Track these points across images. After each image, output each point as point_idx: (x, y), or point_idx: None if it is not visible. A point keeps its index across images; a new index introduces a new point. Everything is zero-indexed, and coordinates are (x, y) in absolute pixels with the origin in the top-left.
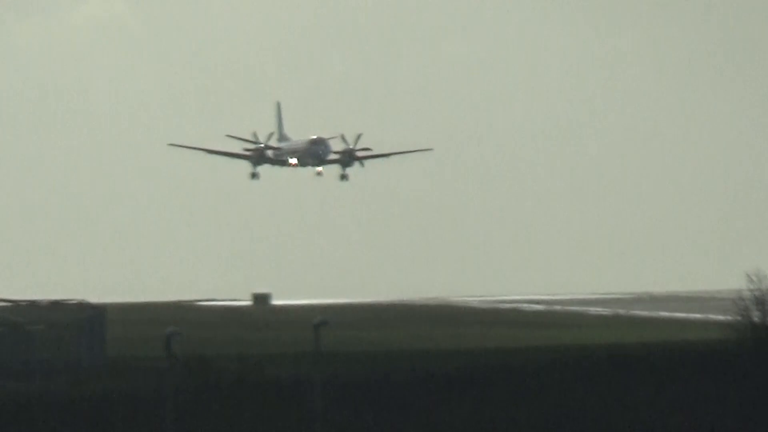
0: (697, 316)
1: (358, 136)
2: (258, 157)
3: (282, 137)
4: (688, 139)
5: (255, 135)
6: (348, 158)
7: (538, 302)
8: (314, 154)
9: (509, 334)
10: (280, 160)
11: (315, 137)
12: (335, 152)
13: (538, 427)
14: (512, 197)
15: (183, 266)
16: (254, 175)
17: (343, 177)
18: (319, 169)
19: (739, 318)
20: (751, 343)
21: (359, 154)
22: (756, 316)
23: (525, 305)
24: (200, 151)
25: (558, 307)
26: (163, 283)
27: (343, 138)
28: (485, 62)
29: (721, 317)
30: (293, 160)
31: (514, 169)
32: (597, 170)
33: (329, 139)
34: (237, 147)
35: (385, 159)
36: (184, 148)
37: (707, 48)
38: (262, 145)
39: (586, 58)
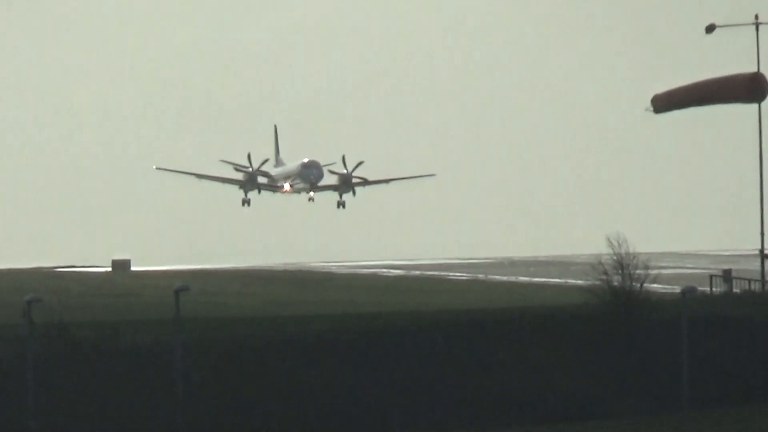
0: (557, 280)
1: (358, 164)
2: (248, 182)
3: (279, 162)
4: (549, 102)
5: (249, 158)
6: (344, 184)
7: (397, 267)
8: (306, 177)
9: (369, 299)
10: (272, 186)
11: (307, 160)
12: (334, 173)
13: (397, 391)
14: (378, 160)
15: (42, 233)
16: (245, 202)
17: (340, 204)
18: (311, 194)
19: (598, 282)
20: (611, 307)
21: (356, 180)
22: (616, 281)
23: (384, 270)
24: (189, 175)
25: (417, 272)
26: (23, 249)
27: (343, 161)
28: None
29: (581, 282)
30: (286, 186)
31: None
32: (456, 133)
33: (326, 165)
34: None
35: (385, 185)
36: (173, 172)
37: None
38: (251, 170)
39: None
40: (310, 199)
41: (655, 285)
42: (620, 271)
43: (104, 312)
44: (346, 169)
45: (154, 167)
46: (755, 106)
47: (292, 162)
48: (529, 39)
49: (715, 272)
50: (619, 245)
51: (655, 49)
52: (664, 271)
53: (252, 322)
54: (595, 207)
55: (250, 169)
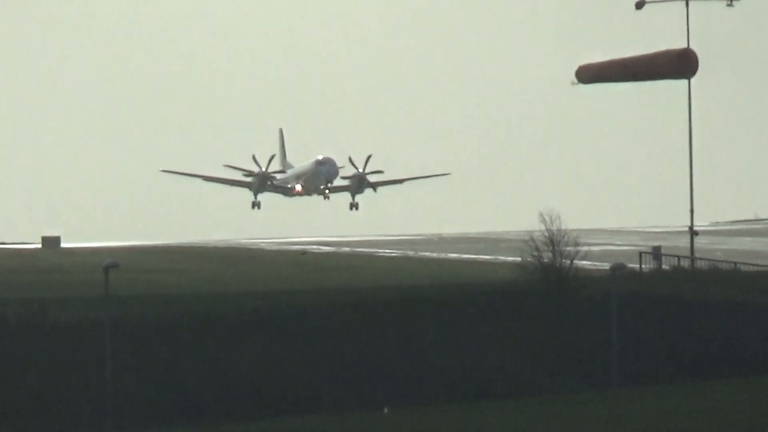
0: (488, 257)
1: (368, 158)
2: (259, 183)
3: (285, 165)
4: (478, 76)
5: (255, 159)
6: (358, 183)
7: (327, 244)
8: (320, 175)
9: (298, 277)
10: (283, 187)
11: (321, 158)
12: (344, 177)
13: (327, 369)
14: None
15: None
16: (255, 204)
17: (353, 206)
18: (327, 193)
19: (530, 259)
20: (541, 283)
21: (371, 178)
22: (546, 257)
23: (314, 247)
24: (196, 178)
25: (347, 249)
26: None
27: (351, 161)
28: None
29: (511, 258)
30: (298, 187)
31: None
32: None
33: (343, 166)
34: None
35: (399, 185)
36: (179, 175)
37: None
38: (262, 171)
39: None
40: (326, 197)
41: (585, 262)
42: (551, 248)
43: (32, 289)
44: (356, 168)
45: (160, 169)
46: (685, 82)
47: (303, 162)
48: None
49: (644, 249)
50: (551, 222)
51: (586, 24)
52: (594, 248)
53: (182, 299)
54: (525, 184)
55: (261, 170)
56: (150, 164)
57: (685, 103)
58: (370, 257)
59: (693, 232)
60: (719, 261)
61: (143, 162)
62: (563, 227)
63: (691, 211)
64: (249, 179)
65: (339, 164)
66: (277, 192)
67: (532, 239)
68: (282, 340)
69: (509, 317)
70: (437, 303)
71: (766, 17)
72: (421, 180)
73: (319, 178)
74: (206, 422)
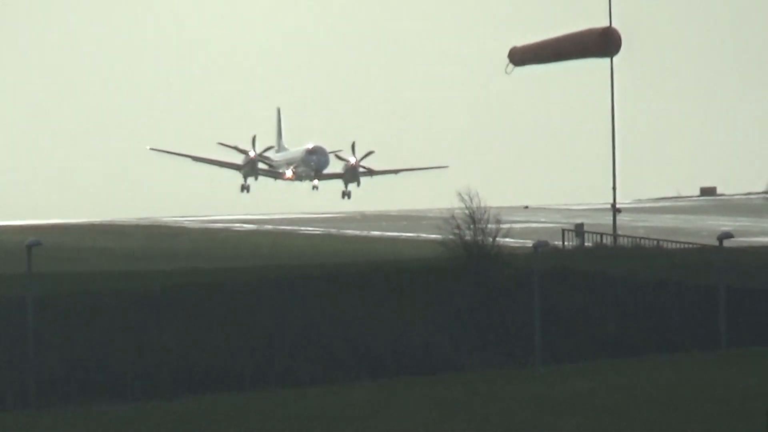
0: (410, 234)
1: (368, 153)
2: (249, 168)
3: (281, 148)
4: (405, 54)
5: (253, 141)
6: (351, 173)
7: (249, 222)
8: (310, 164)
9: (221, 254)
10: (274, 172)
11: (311, 146)
12: (341, 159)
13: (249, 347)
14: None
15: None
16: (245, 188)
17: (345, 194)
18: (315, 182)
19: (451, 236)
20: (463, 261)
21: (362, 169)
22: (468, 235)
23: (237, 225)
24: (185, 158)
25: (269, 227)
26: None
27: (352, 149)
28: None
29: (433, 236)
30: (289, 173)
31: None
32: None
33: (333, 152)
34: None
35: (394, 175)
36: (168, 154)
37: None
38: (253, 155)
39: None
40: (314, 187)
41: (507, 239)
42: (472, 226)
43: None
44: (355, 157)
45: (149, 147)
46: (607, 60)
47: (296, 148)
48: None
49: (567, 226)
50: (471, 200)
51: (512, 3)
52: (516, 226)
53: (104, 277)
54: (446, 161)
55: (252, 153)
56: (141, 142)
57: (607, 80)
58: (292, 234)
59: (615, 210)
60: (642, 238)
61: (134, 140)
62: (483, 205)
63: (614, 189)
64: (239, 162)
65: (334, 149)
66: (267, 176)
67: (453, 217)
68: (204, 318)
69: (431, 295)
70: (359, 281)
71: None
72: (417, 171)
73: (309, 167)
74: (129, 399)
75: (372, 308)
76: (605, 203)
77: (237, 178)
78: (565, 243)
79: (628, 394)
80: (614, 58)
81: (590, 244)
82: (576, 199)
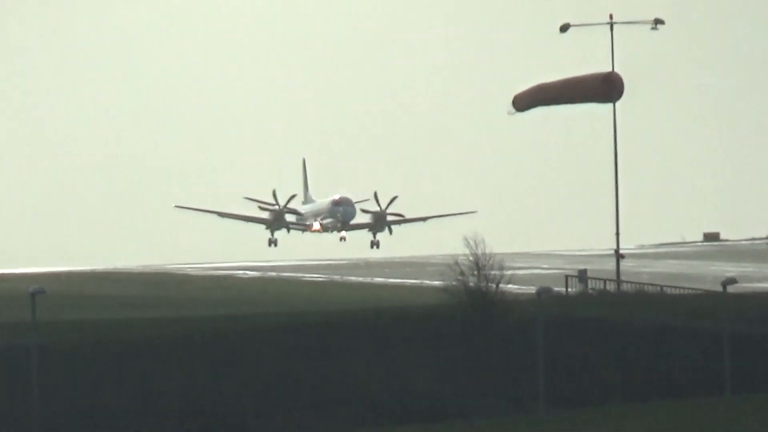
0: (413, 281)
1: (393, 199)
2: (274, 221)
3: (308, 199)
4: (406, 101)
5: (275, 194)
6: (379, 222)
7: (253, 269)
8: (336, 215)
9: (224, 302)
10: (301, 224)
11: (338, 197)
12: (367, 212)
13: (253, 394)
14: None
15: None
16: (272, 242)
17: (374, 244)
18: (343, 233)
19: (455, 283)
20: (467, 307)
21: (392, 217)
22: (472, 281)
23: (240, 272)
24: (210, 214)
25: (273, 274)
26: None
27: (375, 198)
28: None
29: (437, 282)
30: (316, 225)
31: None
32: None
33: (359, 202)
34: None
35: (423, 223)
36: (194, 211)
37: None
38: (278, 208)
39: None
40: (342, 238)
41: (510, 285)
42: (476, 272)
43: None
44: (379, 206)
45: (174, 205)
46: (610, 105)
47: (322, 199)
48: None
49: (570, 272)
50: (476, 245)
51: (512, 48)
52: (519, 272)
53: (106, 325)
54: (450, 207)
55: (277, 207)
56: (164, 198)
57: (610, 125)
58: (296, 282)
59: (619, 255)
60: (645, 284)
61: (156, 196)
62: (488, 251)
63: (617, 234)
64: (265, 216)
65: (359, 199)
66: (295, 228)
67: (457, 263)
68: (208, 366)
69: (435, 341)
70: (362, 327)
71: (690, 40)
72: (446, 217)
73: (336, 218)
74: None
75: (375, 354)
76: (609, 249)
77: (264, 232)
78: (569, 289)
79: None
80: (617, 103)
81: (593, 290)
82: (579, 244)
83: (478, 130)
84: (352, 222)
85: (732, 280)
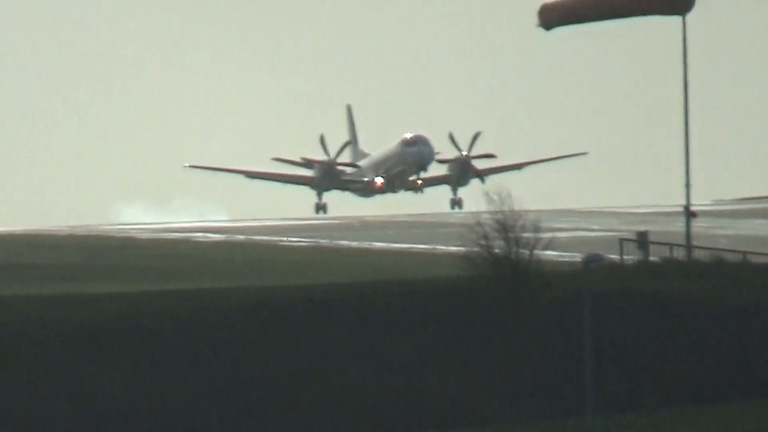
0: (423, 246)
1: (475, 136)
2: (325, 179)
3: (357, 155)
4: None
5: (323, 141)
6: (461, 171)
7: (216, 231)
8: (411, 159)
9: (177, 273)
10: (356, 181)
11: (409, 136)
12: (441, 161)
13: (215, 391)
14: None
15: None
16: (320, 207)
17: (456, 203)
18: (418, 181)
19: (477, 249)
20: (492, 280)
21: (478, 164)
22: (498, 247)
23: (199, 235)
24: (236, 174)
25: (242, 237)
26: None
27: (452, 139)
28: None
29: (454, 248)
30: (378, 180)
31: None
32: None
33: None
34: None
35: (517, 171)
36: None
37: None
38: (328, 159)
39: None
40: (418, 190)
41: (549, 252)
42: (504, 235)
43: None
44: (459, 150)
45: (186, 165)
46: (678, 19)
47: (378, 149)
48: None
49: (626, 235)
50: (502, 202)
51: None
52: (561, 234)
53: (27, 304)
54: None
55: (327, 159)
56: (176, 158)
57: (678, 47)
58: (272, 247)
59: (689, 213)
60: (723, 250)
61: (168, 155)
62: (518, 208)
63: (687, 186)
64: (310, 172)
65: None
66: (348, 189)
67: (480, 224)
68: (154, 356)
69: (452, 326)
70: (358, 307)
71: None
72: (550, 162)
73: (408, 165)
74: None
75: (374, 343)
76: (676, 205)
77: (306, 196)
78: (625, 256)
79: None
80: (687, 17)
81: (657, 258)
82: (638, 200)
83: (504, 52)
84: (427, 175)
85: None
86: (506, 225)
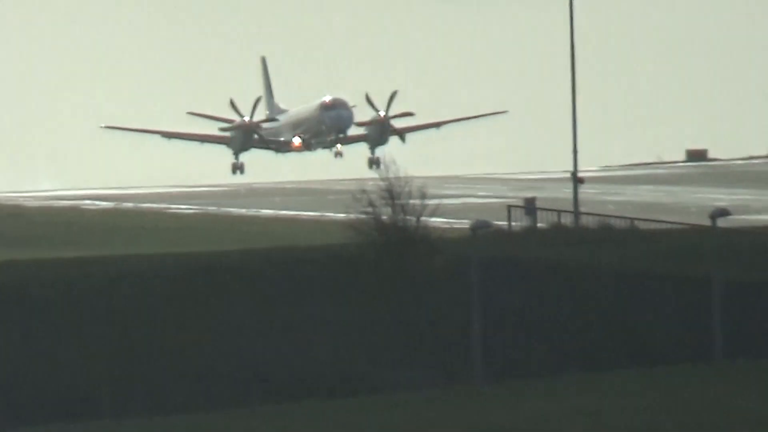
0: (310, 213)
1: (392, 95)
2: (243, 138)
3: (274, 110)
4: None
5: (233, 105)
6: (380, 131)
7: (104, 198)
8: (330, 123)
9: (72, 238)
10: (274, 141)
11: (328, 99)
12: (359, 124)
13: (105, 364)
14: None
15: None
16: (237, 167)
17: (374, 162)
18: (338, 147)
19: (363, 216)
20: (380, 247)
21: (396, 124)
22: (385, 213)
23: (87, 202)
24: (152, 135)
25: (130, 205)
26: None
27: (368, 100)
28: None
29: (340, 215)
30: (296, 140)
31: None
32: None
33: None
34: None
35: (435, 130)
36: (128, 131)
37: None
38: (246, 121)
39: None
40: (338, 154)
41: (436, 219)
42: (390, 202)
43: None
44: (376, 110)
45: (102, 125)
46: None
47: (296, 107)
48: None
49: (514, 202)
50: (387, 169)
51: None
52: (448, 201)
53: None
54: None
55: (245, 119)
56: (90, 118)
57: (565, 8)
58: (159, 214)
59: (577, 179)
60: (611, 216)
61: (81, 115)
62: (404, 174)
63: (574, 152)
64: (227, 133)
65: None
66: (266, 148)
67: (364, 190)
68: (42, 323)
69: (340, 293)
70: (245, 276)
71: None
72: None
73: (327, 128)
74: None
75: (263, 311)
76: (563, 171)
77: (221, 155)
78: (512, 223)
79: (596, 420)
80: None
81: (544, 225)
82: (525, 166)
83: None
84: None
85: (724, 212)
86: (392, 192)
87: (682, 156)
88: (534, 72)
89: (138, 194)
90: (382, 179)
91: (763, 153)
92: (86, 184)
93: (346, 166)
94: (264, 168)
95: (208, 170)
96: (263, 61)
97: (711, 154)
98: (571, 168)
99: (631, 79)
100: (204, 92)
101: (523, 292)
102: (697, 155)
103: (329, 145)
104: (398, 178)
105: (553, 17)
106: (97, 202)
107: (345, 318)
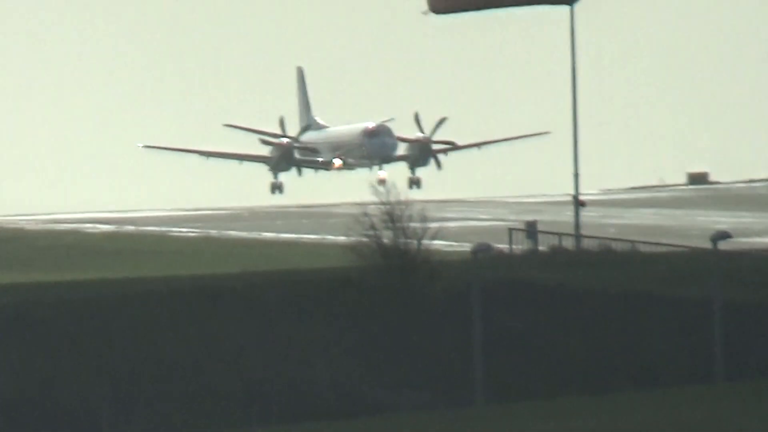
0: (312, 236)
1: (440, 121)
2: (283, 157)
3: (311, 125)
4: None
5: (282, 123)
6: (421, 153)
7: (106, 222)
8: (372, 151)
9: (73, 262)
10: (313, 161)
11: (371, 125)
12: (405, 140)
13: (106, 381)
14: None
15: None
16: (276, 187)
17: (414, 183)
18: (382, 174)
19: (364, 239)
20: (381, 270)
21: (437, 147)
22: (386, 236)
23: (89, 226)
24: (190, 154)
25: (131, 228)
26: None
27: (416, 120)
28: None
29: (341, 238)
30: (336, 161)
31: None
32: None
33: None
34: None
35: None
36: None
37: None
38: (288, 140)
39: None
40: (381, 181)
41: (437, 241)
42: (390, 225)
43: None
44: (422, 131)
45: (140, 145)
46: (567, 9)
47: (344, 126)
48: None
49: (515, 225)
50: (387, 192)
51: None
52: (450, 224)
53: None
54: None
55: (286, 140)
56: (130, 138)
57: (567, 33)
58: (161, 237)
59: (578, 203)
60: (613, 239)
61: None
62: (404, 197)
63: (576, 176)
64: (267, 153)
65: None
66: (306, 167)
67: (366, 214)
68: (47, 344)
69: (342, 316)
70: (246, 298)
71: None
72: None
73: (369, 155)
74: None
75: (262, 333)
76: (565, 195)
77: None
78: (514, 246)
79: None
80: (575, 7)
81: (545, 248)
82: (527, 189)
83: (400, 38)
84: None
85: (725, 235)
86: (393, 215)
87: (683, 179)
88: (536, 96)
89: (138, 217)
90: (384, 203)
91: (763, 176)
92: (128, 206)
93: (348, 188)
94: (305, 190)
95: (246, 190)
96: (300, 72)
97: (712, 177)
98: (572, 191)
99: (632, 102)
100: (240, 104)
101: (524, 314)
102: (698, 178)
103: (370, 166)
104: (399, 202)
105: (554, 41)
106: (98, 226)
107: (346, 339)
